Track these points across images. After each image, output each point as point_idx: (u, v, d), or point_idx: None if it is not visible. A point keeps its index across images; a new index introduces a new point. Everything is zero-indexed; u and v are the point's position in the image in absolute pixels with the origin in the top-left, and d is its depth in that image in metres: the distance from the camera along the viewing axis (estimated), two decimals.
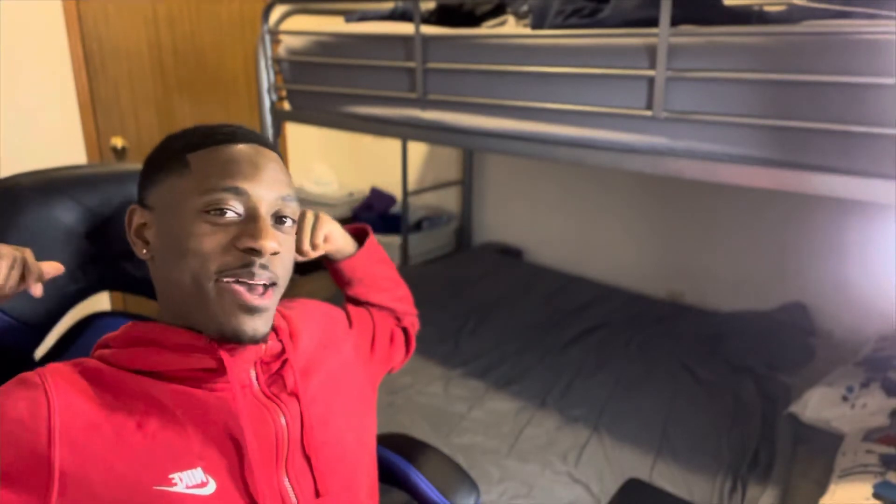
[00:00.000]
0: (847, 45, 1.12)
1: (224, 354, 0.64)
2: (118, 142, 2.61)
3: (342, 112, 1.98)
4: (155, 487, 0.58)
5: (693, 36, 1.29)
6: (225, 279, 0.63)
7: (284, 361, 0.72)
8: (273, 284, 0.66)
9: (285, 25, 2.16)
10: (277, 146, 2.45)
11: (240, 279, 0.63)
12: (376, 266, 0.98)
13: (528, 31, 1.62)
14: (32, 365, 0.82)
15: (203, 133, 0.69)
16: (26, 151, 2.23)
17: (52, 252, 0.78)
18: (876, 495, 1.21)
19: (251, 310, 0.64)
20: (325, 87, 2.00)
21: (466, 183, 3.06)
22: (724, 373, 1.96)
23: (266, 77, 2.12)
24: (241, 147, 0.68)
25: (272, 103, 2.15)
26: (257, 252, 0.63)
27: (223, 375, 0.65)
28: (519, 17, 1.85)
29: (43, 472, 0.55)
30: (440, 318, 2.30)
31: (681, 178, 1.37)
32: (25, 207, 0.81)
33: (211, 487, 0.61)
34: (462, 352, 2.11)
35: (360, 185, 3.46)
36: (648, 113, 1.34)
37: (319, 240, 0.84)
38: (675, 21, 1.27)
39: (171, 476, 0.59)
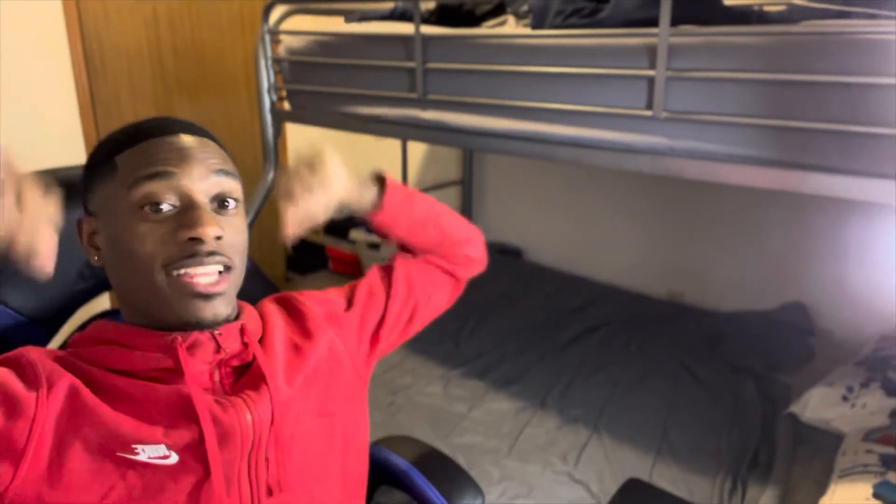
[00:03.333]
0: (847, 45, 1.12)
1: (182, 354, 0.64)
2: None
3: (342, 112, 1.98)
4: (118, 453, 0.60)
5: (693, 36, 1.29)
6: (174, 272, 0.62)
7: (251, 362, 0.70)
8: (227, 269, 0.65)
9: (285, 25, 2.16)
10: (277, 147, 2.44)
11: (189, 270, 0.62)
12: (408, 217, 0.89)
13: (528, 31, 1.62)
14: None
15: (128, 132, 0.67)
16: (26, 151, 2.23)
17: (59, 251, 0.78)
18: (876, 495, 1.21)
19: (207, 296, 0.63)
20: (325, 87, 2.00)
21: (466, 183, 3.06)
22: (724, 373, 1.96)
23: (266, 77, 2.12)
24: (167, 138, 0.66)
25: (272, 103, 2.15)
26: (199, 240, 0.62)
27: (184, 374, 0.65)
28: (519, 17, 1.85)
29: (24, 433, 0.57)
30: (440, 319, 2.28)
31: (681, 178, 1.37)
32: None
33: (173, 459, 0.61)
34: (462, 352, 2.11)
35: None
36: (648, 113, 1.34)
37: (295, 217, 0.77)
38: (675, 21, 1.27)
39: (134, 446, 0.60)
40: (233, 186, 0.68)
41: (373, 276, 0.94)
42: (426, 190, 3.13)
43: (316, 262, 3.36)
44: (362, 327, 0.86)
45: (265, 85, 2.13)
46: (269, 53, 2.10)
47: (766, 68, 1.21)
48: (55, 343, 0.87)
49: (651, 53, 1.31)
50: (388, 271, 0.94)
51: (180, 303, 0.63)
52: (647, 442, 1.64)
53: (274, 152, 2.19)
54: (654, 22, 1.28)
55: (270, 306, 0.82)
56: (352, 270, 3.20)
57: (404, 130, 1.93)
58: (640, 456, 1.59)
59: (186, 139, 0.67)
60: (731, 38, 1.26)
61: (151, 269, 0.62)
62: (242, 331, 0.70)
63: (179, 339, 0.64)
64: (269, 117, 2.16)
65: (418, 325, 0.96)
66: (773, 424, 1.68)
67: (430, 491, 0.91)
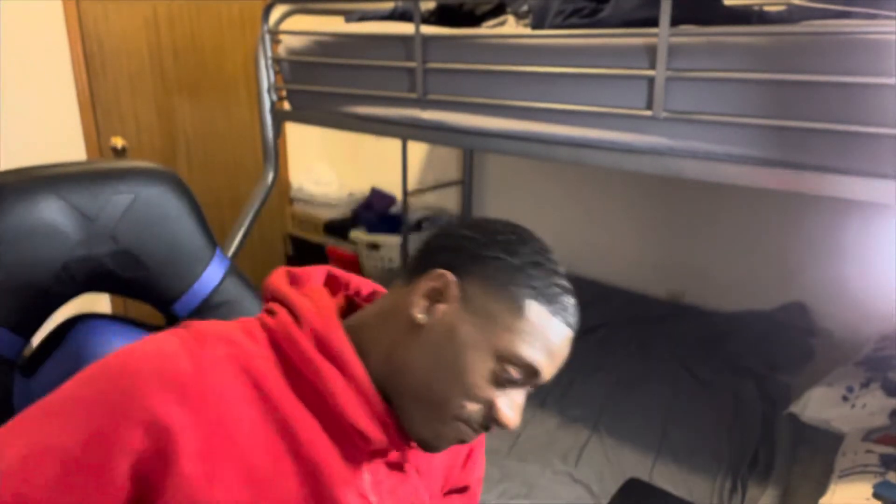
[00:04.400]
0: (847, 45, 1.12)
1: (397, 432, 0.62)
2: (118, 142, 2.61)
3: (342, 112, 1.98)
4: None
5: (693, 36, 1.29)
6: (456, 423, 0.61)
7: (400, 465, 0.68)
8: None
9: (285, 25, 2.16)
10: (277, 147, 2.43)
11: (473, 429, 0.62)
12: None
13: (528, 31, 1.62)
14: (13, 371, 0.77)
15: (559, 297, 0.63)
16: (26, 151, 2.23)
17: (37, 251, 0.75)
18: (876, 495, 1.21)
19: (459, 442, 0.63)
20: (325, 87, 2.00)
21: (466, 183, 3.06)
22: (724, 373, 1.96)
23: (266, 77, 2.12)
24: (569, 333, 0.64)
25: (272, 103, 2.15)
26: (507, 427, 0.62)
27: (378, 455, 0.64)
28: (519, 17, 1.85)
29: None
30: None
31: (681, 178, 1.37)
32: (9, 205, 0.78)
33: None
34: None
35: (360, 185, 3.46)
36: (648, 113, 1.34)
37: None
38: (675, 21, 1.27)
39: None
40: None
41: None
42: (426, 190, 3.14)
43: (316, 262, 3.35)
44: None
45: (265, 85, 2.13)
46: (269, 53, 2.10)
47: (766, 68, 1.21)
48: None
49: (651, 53, 1.31)
50: None
51: (441, 440, 0.62)
52: (647, 442, 1.64)
53: (274, 152, 2.19)
54: (654, 22, 1.28)
55: None
56: (352, 270, 3.19)
57: (404, 130, 1.93)
58: (640, 456, 1.59)
59: (571, 342, 0.65)
60: (731, 38, 1.26)
61: (453, 411, 0.60)
62: None
63: (395, 427, 0.62)
64: (269, 117, 2.16)
65: None
66: (773, 424, 1.68)
67: None
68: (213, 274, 0.91)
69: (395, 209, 3.24)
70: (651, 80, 1.32)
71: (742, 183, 1.28)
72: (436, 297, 0.61)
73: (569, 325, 0.63)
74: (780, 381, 1.90)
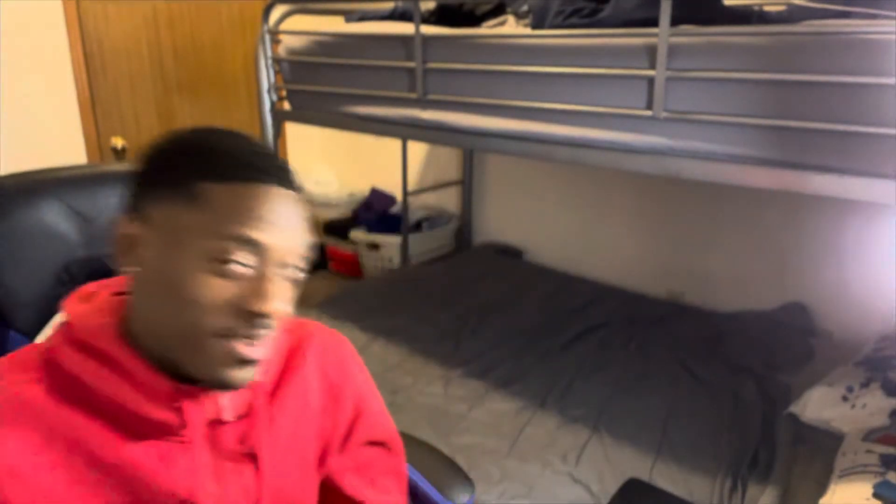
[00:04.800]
0: (847, 45, 1.12)
1: (186, 407, 0.60)
2: (118, 142, 2.61)
3: (342, 112, 1.98)
4: None
5: (693, 36, 1.29)
6: (226, 341, 0.58)
7: (250, 423, 0.66)
8: (272, 335, 0.61)
9: (285, 25, 2.16)
10: (277, 147, 2.43)
11: (240, 341, 0.58)
12: None
13: (528, 31, 1.62)
14: None
15: (217, 157, 0.59)
16: (26, 152, 2.23)
17: (38, 253, 0.77)
18: (876, 495, 1.21)
19: (247, 362, 0.59)
20: (325, 87, 2.00)
21: (466, 183, 3.06)
22: (724, 373, 1.96)
23: (266, 77, 2.12)
24: (267, 189, 0.58)
25: (272, 103, 2.15)
26: (266, 315, 0.57)
27: (174, 433, 0.61)
28: (519, 17, 1.85)
29: None
30: (440, 318, 2.30)
31: (681, 178, 1.37)
32: (10, 209, 0.80)
33: None
34: (462, 352, 2.10)
35: (360, 185, 3.46)
36: (648, 113, 1.34)
37: None
38: (675, 21, 1.27)
39: None
40: (306, 264, 0.62)
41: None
42: (426, 190, 3.14)
43: (316, 262, 3.36)
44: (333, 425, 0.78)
45: (265, 85, 2.13)
46: (269, 53, 2.10)
47: (766, 68, 1.21)
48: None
49: (651, 53, 1.31)
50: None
51: (218, 366, 0.59)
52: (647, 442, 1.64)
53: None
54: (654, 22, 1.28)
55: (306, 345, 0.75)
56: (352, 270, 3.20)
57: (404, 130, 1.93)
58: (640, 456, 1.59)
59: (286, 197, 0.60)
60: (731, 38, 1.26)
61: (204, 330, 0.57)
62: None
63: (184, 398, 0.60)
64: (269, 117, 2.16)
65: None
66: (773, 424, 1.68)
67: (423, 484, 0.91)
68: None
69: (395, 209, 3.24)
70: (651, 80, 1.32)
71: (742, 183, 1.28)
72: (128, 245, 0.60)
73: (256, 179, 0.58)
74: (780, 381, 1.90)
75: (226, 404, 0.64)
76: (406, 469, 0.86)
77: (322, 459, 0.76)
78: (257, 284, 0.57)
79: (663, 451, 1.61)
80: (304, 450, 0.73)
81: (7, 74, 2.25)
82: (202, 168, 0.58)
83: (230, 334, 0.57)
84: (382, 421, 0.83)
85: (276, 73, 2.13)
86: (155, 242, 0.58)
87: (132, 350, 0.60)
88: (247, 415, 0.66)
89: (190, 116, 2.90)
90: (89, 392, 0.59)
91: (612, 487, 1.45)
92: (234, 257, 0.56)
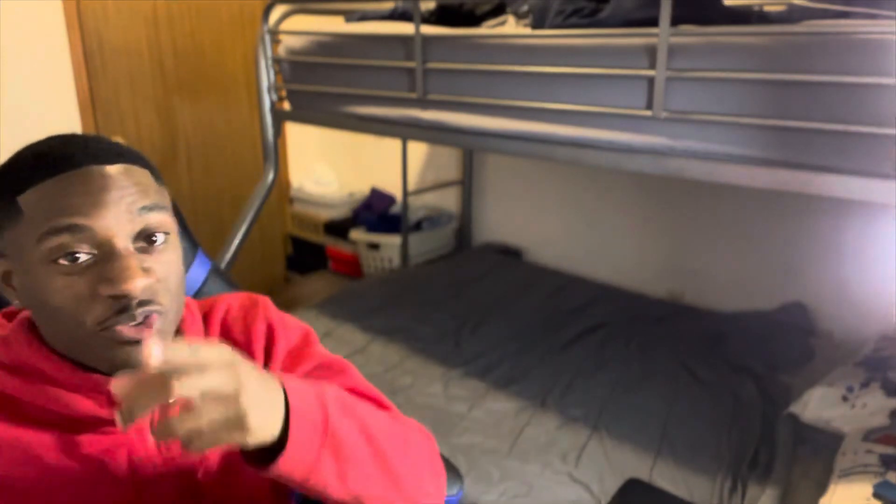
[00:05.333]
0: (847, 45, 1.12)
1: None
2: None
3: (342, 112, 1.98)
4: None
5: (693, 36, 1.29)
6: (105, 330, 0.56)
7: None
8: (160, 312, 0.59)
9: (285, 25, 2.16)
10: (277, 147, 2.43)
11: (120, 326, 0.56)
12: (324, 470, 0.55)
13: (528, 31, 1.62)
14: None
15: (26, 164, 0.57)
16: None
17: None
18: (876, 495, 1.21)
19: (138, 342, 0.57)
20: (325, 87, 2.00)
21: (466, 183, 3.06)
22: (724, 373, 1.96)
23: (266, 77, 2.12)
24: (75, 173, 0.56)
25: (272, 103, 2.15)
26: (125, 294, 0.55)
27: (110, 423, 0.61)
28: (519, 17, 1.85)
29: None
30: (440, 318, 2.30)
31: (681, 178, 1.37)
32: None
33: None
34: (462, 352, 2.10)
35: (360, 185, 3.46)
36: (648, 113, 1.34)
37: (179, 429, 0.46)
38: (675, 21, 1.27)
39: None
40: (160, 220, 0.59)
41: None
42: (426, 190, 3.14)
43: (316, 262, 3.36)
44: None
45: (265, 85, 2.13)
46: (269, 53, 2.10)
47: (767, 68, 1.21)
48: None
49: (651, 53, 1.31)
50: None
51: (111, 353, 0.57)
52: (647, 442, 1.64)
53: (274, 152, 2.19)
54: (654, 22, 1.28)
55: (222, 314, 0.73)
56: (352, 270, 3.20)
57: (404, 130, 1.93)
58: (640, 456, 1.59)
59: (98, 173, 0.57)
60: (731, 38, 1.26)
61: (80, 326, 0.56)
62: None
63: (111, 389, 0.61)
64: (269, 117, 2.16)
65: None
66: (773, 424, 1.68)
67: None
68: (195, 275, 0.93)
69: (395, 209, 3.24)
70: (651, 80, 1.32)
71: (742, 183, 1.28)
72: (8, 280, 0.61)
73: (63, 169, 0.56)
74: (780, 381, 1.90)
75: None
76: (359, 381, 0.75)
77: None
78: (105, 268, 0.55)
79: (663, 451, 1.61)
80: None
81: (7, 74, 2.25)
82: (16, 183, 0.57)
83: (111, 323, 0.56)
84: (309, 353, 0.76)
85: (276, 73, 2.13)
86: (16, 269, 0.59)
87: (55, 356, 0.60)
88: None
89: (190, 116, 2.90)
90: (27, 407, 0.59)
91: (612, 487, 1.45)
92: (66, 251, 0.55)
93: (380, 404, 0.71)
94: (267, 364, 0.72)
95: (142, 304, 0.57)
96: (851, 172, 1.15)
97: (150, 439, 0.63)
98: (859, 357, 1.82)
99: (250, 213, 2.13)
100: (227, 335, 0.73)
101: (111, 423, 0.60)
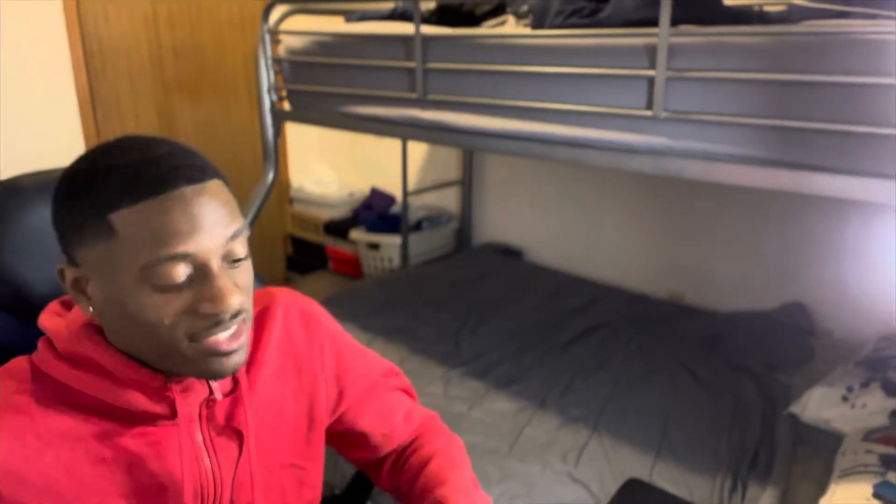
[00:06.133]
0: (847, 45, 1.12)
1: (178, 398, 0.63)
2: None
3: (342, 112, 1.98)
4: None
5: (693, 36, 1.29)
6: (200, 340, 0.60)
7: (236, 398, 0.69)
8: (246, 318, 0.63)
9: (285, 25, 2.16)
10: (277, 147, 2.42)
11: (215, 337, 0.60)
12: None
13: (528, 31, 1.62)
14: None
15: (120, 182, 0.57)
16: (26, 151, 2.24)
17: (54, 254, 0.78)
18: (876, 495, 1.21)
19: (230, 353, 0.61)
20: (325, 87, 2.00)
21: (466, 183, 3.06)
22: (724, 373, 1.96)
23: (266, 77, 2.12)
24: (172, 196, 0.57)
25: (272, 103, 2.15)
26: (223, 313, 0.58)
27: (168, 419, 0.64)
28: (519, 17, 1.85)
29: None
30: (440, 318, 2.30)
31: (681, 178, 1.37)
32: (27, 207, 0.82)
33: None
34: (462, 352, 2.10)
35: (360, 185, 3.46)
36: (648, 113, 1.34)
37: None
38: (675, 21, 1.27)
39: None
40: (243, 243, 0.62)
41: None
42: (426, 190, 3.14)
43: (316, 262, 3.36)
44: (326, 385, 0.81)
45: (265, 85, 2.13)
46: (269, 53, 2.10)
47: (766, 68, 1.21)
48: None
49: (651, 53, 1.31)
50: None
51: (204, 363, 0.61)
52: (647, 442, 1.64)
53: (274, 152, 2.19)
54: (654, 22, 1.28)
55: (278, 313, 0.77)
56: (352, 270, 3.20)
57: (404, 130, 1.93)
58: (640, 456, 1.59)
59: (193, 196, 0.58)
60: (731, 38, 1.26)
61: (174, 339, 0.59)
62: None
63: (175, 387, 0.64)
64: (269, 117, 2.16)
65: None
66: (773, 424, 1.68)
67: None
68: None
69: (395, 209, 3.24)
70: (651, 80, 1.32)
71: (742, 183, 1.28)
72: (77, 288, 0.62)
73: (159, 191, 0.56)
74: (780, 381, 1.90)
75: (216, 385, 0.67)
76: (407, 382, 0.93)
77: (319, 415, 0.78)
78: (203, 288, 0.58)
79: (663, 451, 1.61)
80: (290, 412, 0.76)
81: (7, 74, 2.25)
82: (107, 200, 0.57)
83: (206, 335, 0.59)
84: (365, 363, 0.86)
85: (276, 73, 2.13)
86: (97, 281, 0.60)
87: (117, 353, 0.62)
88: (232, 391, 0.69)
89: (190, 116, 2.90)
90: (80, 396, 0.62)
91: (612, 487, 1.45)
92: (167, 276, 0.57)
93: (412, 395, 0.93)
94: (324, 373, 0.79)
95: (235, 315, 0.60)
96: (851, 172, 1.15)
97: (198, 434, 0.67)
98: (859, 357, 1.82)
99: (250, 213, 2.13)
100: (289, 339, 0.77)
101: (162, 416, 0.64)
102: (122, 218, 0.56)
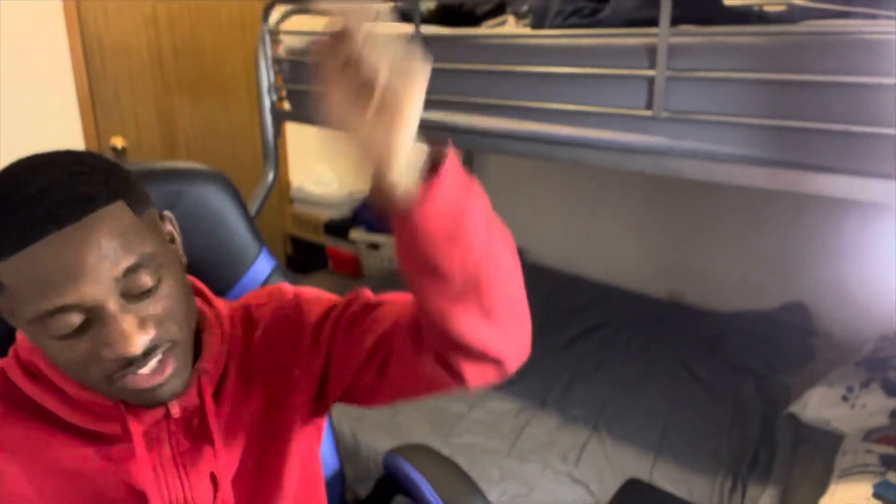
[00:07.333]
0: (847, 45, 1.12)
1: (130, 418, 0.61)
2: (118, 142, 2.61)
3: None
4: None
5: (693, 36, 1.29)
6: (116, 380, 0.55)
7: (203, 412, 0.65)
8: (171, 347, 0.57)
9: (285, 25, 2.15)
10: (277, 147, 2.41)
11: (131, 376, 0.55)
12: (455, 223, 0.55)
13: (528, 31, 1.62)
14: None
15: (1, 228, 0.51)
16: (26, 151, 2.23)
17: None
18: (876, 495, 1.21)
19: (154, 388, 0.57)
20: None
21: None
22: (724, 373, 1.96)
23: (266, 77, 2.12)
24: (43, 244, 0.50)
25: (272, 103, 2.15)
26: (129, 355, 0.53)
27: (126, 441, 0.62)
28: (519, 17, 1.85)
29: None
30: None
31: (681, 178, 1.37)
32: None
33: None
34: None
35: (360, 185, 3.45)
36: (648, 113, 1.34)
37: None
38: (675, 21, 1.27)
39: None
40: (146, 272, 0.55)
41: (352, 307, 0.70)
42: None
43: (316, 262, 3.36)
44: (314, 369, 0.71)
45: (265, 85, 2.13)
46: (269, 53, 2.10)
47: (766, 68, 1.21)
48: None
49: (651, 53, 1.31)
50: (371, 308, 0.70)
51: (134, 397, 0.58)
52: (647, 442, 1.64)
53: (274, 152, 2.19)
54: (654, 22, 1.28)
55: (267, 315, 0.72)
56: (352, 270, 3.20)
57: None
58: (640, 456, 1.59)
59: (63, 242, 0.51)
60: (731, 38, 1.26)
61: (92, 380, 0.56)
62: (202, 371, 0.65)
63: (123, 407, 0.61)
64: (269, 117, 2.16)
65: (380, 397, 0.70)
66: (773, 424, 1.68)
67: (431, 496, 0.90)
68: (259, 271, 0.93)
69: None
70: (651, 80, 1.32)
71: (742, 183, 1.28)
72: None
73: (33, 239, 0.50)
74: (780, 381, 1.90)
75: (172, 402, 0.63)
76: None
77: (308, 397, 0.71)
78: (101, 332, 0.53)
79: (663, 451, 1.61)
80: (269, 415, 0.70)
81: (7, 74, 2.25)
82: None
83: (121, 375, 0.55)
84: (321, 300, 0.73)
85: (276, 73, 2.13)
86: (13, 319, 0.56)
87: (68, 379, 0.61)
88: (199, 406, 0.65)
89: (190, 116, 2.90)
90: (42, 408, 0.61)
91: (612, 487, 1.45)
92: (59, 328, 0.52)
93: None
94: (318, 334, 0.70)
95: (149, 353, 0.55)
96: (851, 172, 1.15)
97: (166, 449, 0.64)
98: (859, 357, 1.82)
99: (250, 213, 2.13)
100: (270, 345, 0.71)
101: (116, 437, 0.62)
102: (4, 269, 0.51)
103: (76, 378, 0.58)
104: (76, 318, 0.52)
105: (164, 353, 0.57)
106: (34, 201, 0.51)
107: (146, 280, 0.55)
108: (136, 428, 0.62)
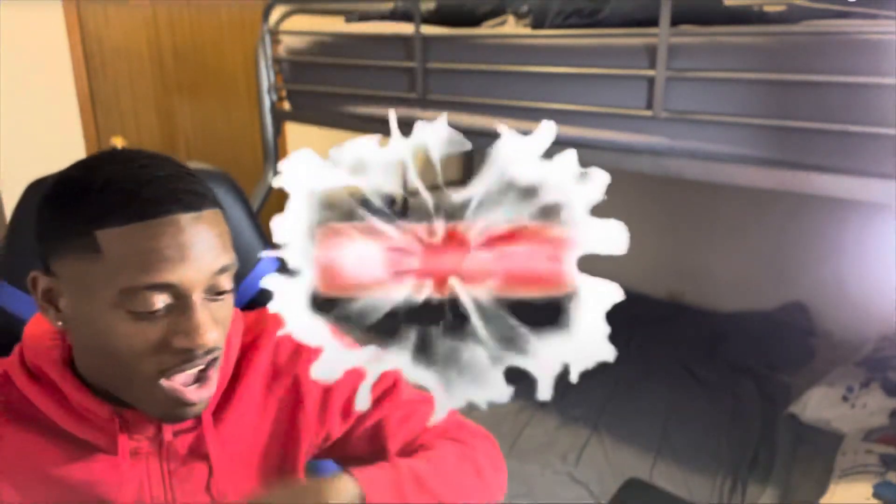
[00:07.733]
0: (847, 45, 1.12)
1: (120, 433, 0.60)
2: (118, 142, 2.61)
3: (342, 112, 1.98)
4: None
5: (693, 36, 1.29)
6: (167, 378, 0.56)
7: (199, 433, 0.65)
8: (216, 360, 0.59)
9: (285, 25, 2.16)
10: (277, 147, 2.41)
11: (182, 374, 0.56)
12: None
13: (528, 31, 1.62)
14: None
15: (115, 198, 0.53)
16: (27, 151, 2.23)
17: None
18: (876, 495, 1.21)
19: (192, 404, 0.58)
20: (325, 87, 2.00)
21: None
22: (724, 373, 1.96)
23: (266, 77, 2.12)
24: (165, 221, 0.53)
25: (272, 103, 2.15)
26: (197, 348, 0.55)
27: (113, 454, 0.61)
28: (519, 17, 1.85)
29: None
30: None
31: (681, 178, 1.37)
32: None
33: None
34: None
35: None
36: (648, 113, 1.34)
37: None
38: (675, 21, 1.27)
39: None
40: (229, 278, 0.58)
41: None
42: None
43: None
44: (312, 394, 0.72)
45: (265, 85, 2.13)
46: (269, 53, 2.10)
47: (766, 68, 1.21)
48: None
49: (651, 53, 1.31)
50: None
51: (164, 406, 0.58)
52: (647, 442, 1.64)
53: (274, 152, 2.19)
54: (654, 22, 1.28)
55: (262, 347, 0.70)
56: None
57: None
58: (640, 456, 1.59)
59: (186, 224, 0.54)
60: (731, 38, 1.26)
61: (140, 373, 0.56)
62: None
63: (119, 422, 0.60)
64: (269, 117, 2.16)
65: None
66: (773, 424, 1.68)
67: None
68: (266, 269, 0.91)
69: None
70: (651, 80, 1.32)
71: (742, 183, 1.28)
72: (48, 299, 0.58)
73: (152, 215, 0.53)
74: (780, 381, 1.90)
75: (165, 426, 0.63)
76: (397, 375, 0.72)
77: (297, 453, 0.71)
78: (180, 320, 0.54)
79: (663, 451, 1.61)
80: (267, 448, 0.70)
81: (7, 75, 2.25)
82: (95, 216, 0.53)
83: (171, 372, 0.56)
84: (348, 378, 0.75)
85: (276, 73, 2.13)
86: (71, 297, 0.56)
87: (73, 377, 0.60)
88: (194, 427, 0.65)
89: (190, 116, 2.90)
90: (37, 411, 0.60)
91: (612, 487, 1.45)
92: (146, 304, 0.53)
93: (428, 402, 0.70)
94: (324, 411, 0.71)
95: (208, 352, 0.57)
96: (851, 172, 1.15)
97: (156, 467, 0.64)
98: (859, 357, 1.82)
99: None
100: (276, 376, 0.70)
101: (104, 449, 0.61)
102: (109, 236, 0.53)
103: (117, 370, 0.57)
104: (163, 300, 0.54)
105: (212, 362, 0.59)
106: (160, 182, 0.54)
107: (226, 284, 0.58)
108: (125, 443, 0.62)
